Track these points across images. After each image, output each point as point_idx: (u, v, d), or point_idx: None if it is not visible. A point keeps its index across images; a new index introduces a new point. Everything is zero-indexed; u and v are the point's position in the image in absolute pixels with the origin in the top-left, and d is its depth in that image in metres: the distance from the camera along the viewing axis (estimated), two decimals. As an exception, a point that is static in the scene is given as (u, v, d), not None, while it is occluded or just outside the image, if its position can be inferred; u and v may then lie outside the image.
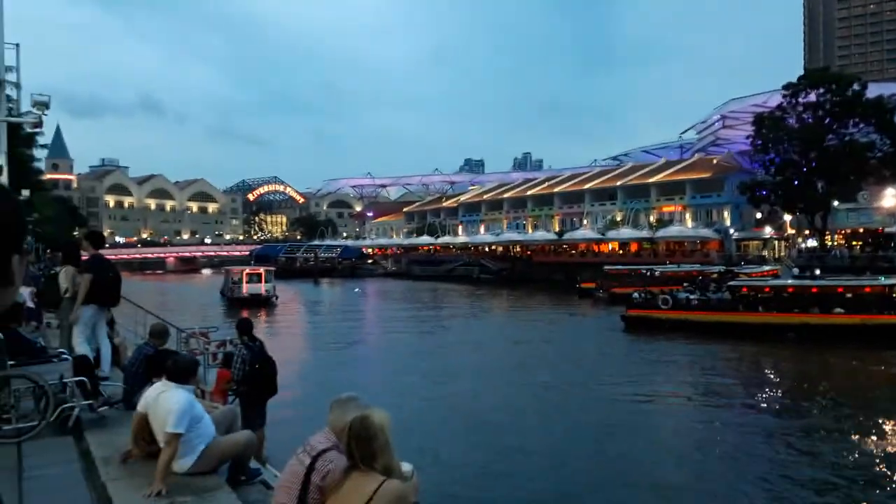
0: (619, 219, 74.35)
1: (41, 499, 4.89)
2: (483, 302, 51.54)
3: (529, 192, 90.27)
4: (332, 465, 3.30)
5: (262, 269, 46.90)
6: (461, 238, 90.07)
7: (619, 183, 77.88)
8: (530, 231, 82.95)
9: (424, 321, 36.56)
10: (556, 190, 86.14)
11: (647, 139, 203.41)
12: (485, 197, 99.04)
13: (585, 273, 54.47)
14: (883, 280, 26.77)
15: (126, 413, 7.12)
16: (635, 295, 32.78)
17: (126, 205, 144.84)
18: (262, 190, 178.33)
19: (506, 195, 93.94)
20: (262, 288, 44.24)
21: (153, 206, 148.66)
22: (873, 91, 55.32)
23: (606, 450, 12.47)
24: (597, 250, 69.56)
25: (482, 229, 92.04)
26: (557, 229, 79.50)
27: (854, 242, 63.59)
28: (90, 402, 6.99)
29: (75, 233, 62.75)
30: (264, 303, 43.22)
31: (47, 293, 8.95)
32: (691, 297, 31.10)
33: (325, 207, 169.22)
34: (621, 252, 67.62)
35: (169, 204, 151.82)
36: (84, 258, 8.20)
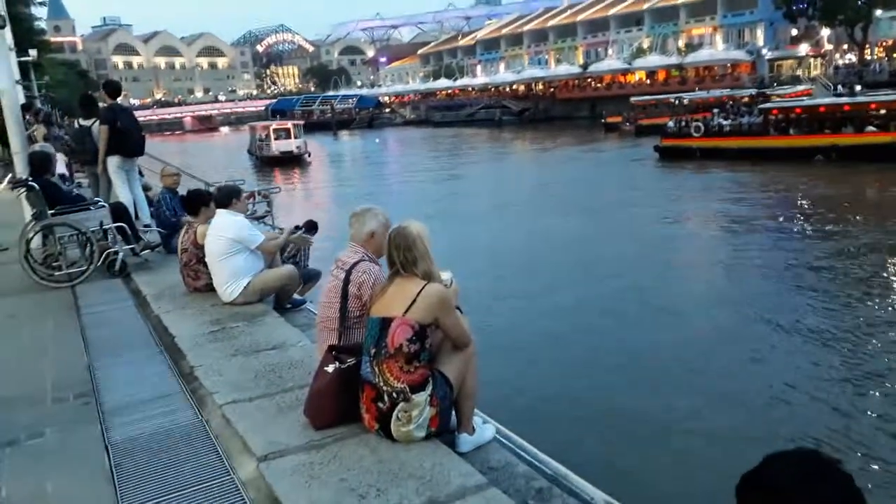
0: (646, 46, 70.84)
1: (101, 331, 5.18)
2: (507, 145, 50.87)
3: (551, 23, 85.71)
4: (364, 276, 3.40)
5: (289, 124, 44.01)
6: (480, 79, 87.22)
7: (646, 6, 73.25)
8: (553, 66, 79.78)
9: (448, 168, 36.37)
10: (580, 18, 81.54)
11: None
12: (503, 31, 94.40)
13: (611, 106, 53.03)
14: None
15: (167, 256, 7.39)
16: (669, 124, 32.01)
17: (135, 65, 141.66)
18: (270, 41, 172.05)
19: (526, 28, 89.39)
20: (293, 145, 41.52)
21: (163, 66, 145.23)
22: None
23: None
24: (623, 82, 67.08)
25: (502, 67, 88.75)
26: (581, 62, 76.25)
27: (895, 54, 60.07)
28: (132, 246, 7.22)
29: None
30: (297, 160, 40.87)
31: (77, 150, 8.92)
32: (723, 122, 30.30)
33: (336, 55, 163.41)
34: (649, 82, 65.14)
35: (178, 61, 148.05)
36: (102, 108, 8.11)
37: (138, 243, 7.38)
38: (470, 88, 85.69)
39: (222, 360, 4.16)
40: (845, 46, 58.70)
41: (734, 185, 22.85)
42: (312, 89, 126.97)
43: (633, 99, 49.55)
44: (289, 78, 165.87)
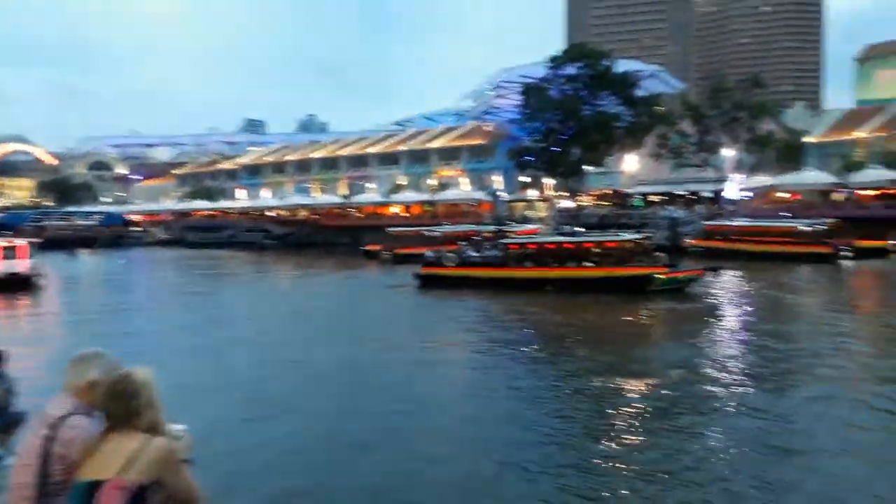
0: (403, 182, 76.39)
1: None
2: (270, 270, 50.21)
3: (315, 155, 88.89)
4: (74, 432, 2.95)
5: (19, 242, 37.53)
6: (243, 202, 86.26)
7: (402, 148, 79.77)
8: (317, 195, 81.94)
9: (203, 294, 34.71)
10: (343, 153, 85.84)
11: (428, 105, 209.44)
12: (268, 159, 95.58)
13: (371, 235, 55.55)
14: (624, 236, 30.77)
15: None
16: (428, 253, 34.28)
17: None
18: (1, 150, 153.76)
19: (291, 158, 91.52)
20: (20, 265, 35.35)
21: None
22: (621, 67, 62.48)
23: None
24: (382, 213, 70.94)
25: (265, 193, 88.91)
26: (344, 193, 79.52)
27: (603, 202, 71.95)
28: None
29: None
30: (25, 283, 34.69)
31: None
32: (473, 254, 33.35)
33: (81, 169, 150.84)
34: (405, 214, 69.75)
35: None
36: None
37: None
38: (231, 211, 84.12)
39: None
40: (565, 193, 69.00)
41: (481, 311, 24.92)
42: (52, 204, 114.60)
43: (390, 229, 52.55)
44: (21, 190, 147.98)
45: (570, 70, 60.36)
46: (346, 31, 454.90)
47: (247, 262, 54.41)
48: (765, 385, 13.71)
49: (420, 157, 78.39)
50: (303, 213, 77.19)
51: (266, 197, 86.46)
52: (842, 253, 39.11)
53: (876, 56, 68.76)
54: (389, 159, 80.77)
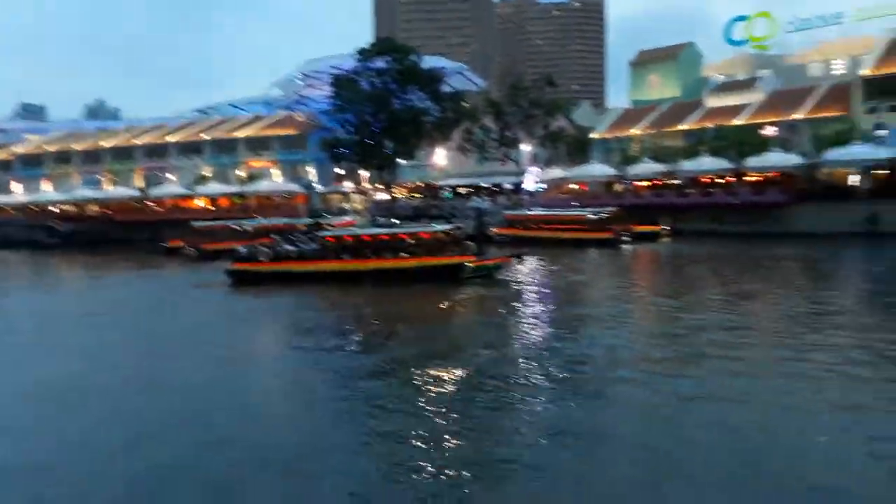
0: (207, 174, 72.52)
1: None
2: (49, 270, 45.25)
3: (106, 144, 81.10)
4: None
5: None
6: (19, 196, 76.53)
7: (206, 137, 75.57)
8: (109, 187, 74.94)
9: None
10: (138, 142, 79.25)
11: (234, 93, 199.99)
12: (50, 148, 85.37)
13: (173, 231, 52.19)
14: (436, 227, 32.09)
15: None
16: (240, 249, 32.96)
17: None
18: None
19: (77, 146, 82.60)
20: None
21: None
22: (427, 63, 64.45)
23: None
24: (185, 207, 66.82)
25: (47, 186, 79.59)
26: (141, 185, 73.58)
27: (416, 194, 74.09)
28: None
29: None
30: None
31: None
32: (290, 248, 32.75)
33: None
34: (212, 208, 66.36)
35: None
36: None
37: None
38: (5, 206, 74.27)
39: None
40: (379, 185, 69.99)
41: (298, 306, 24.76)
42: None
43: (195, 224, 49.77)
44: None
45: (380, 64, 61.12)
46: (143, 13, 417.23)
47: (23, 264, 48.56)
48: (565, 359, 15.36)
49: (226, 147, 74.85)
50: (93, 208, 70.30)
51: (48, 190, 77.46)
52: (622, 238, 44.06)
53: (647, 61, 77.59)
54: (192, 149, 76.10)
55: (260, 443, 10.78)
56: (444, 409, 11.96)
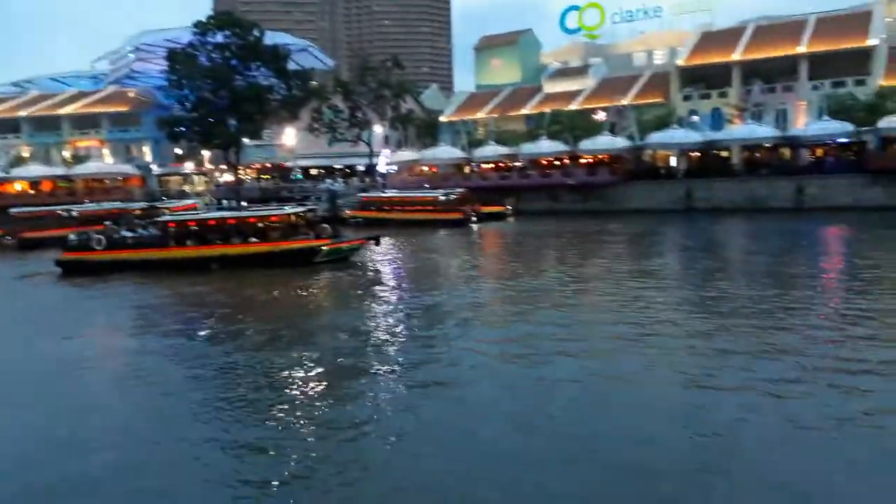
0: (26, 154, 65.50)
1: None
2: None
3: None
4: None
5: None
6: None
7: (23, 113, 68.09)
8: None
9: None
10: (-66, 118, 69.67)
11: (56, 67, 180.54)
12: None
13: (-14, 218, 46.88)
14: (287, 209, 31.53)
15: None
16: (71, 236, 30.30)
17: None
18: None
19: None
20: None
21: None
22: (271, 39, 62.28)
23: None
24: (1, 192, 60.06)
25: None
26: (-60, 167, 64.90)
27: (264, 175, 71.80)
28: None
29: None
30: None
31: None
32: (127, 235, 30.70)
33: None
34: (33, 192, 60.17)
35: None
36: None
37: None
38: None
39: None
40: (224, 166, 66.97)
41: (138, 297, 23.41)
42: None
43: (13, 210, 45.13)
44: None
45: (219, 38, 58.18)
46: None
47: None
48: (423, 338, 15.99)
49: (48, 125, 67.96)
50: None
51: None
52: (471, 218, 45.79)
53: (489, 46, 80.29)
54: (6, 126, 68.31)
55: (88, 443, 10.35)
56: (292, 402, 12.11)
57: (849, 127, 43.68)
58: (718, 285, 20.89)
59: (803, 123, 48.22)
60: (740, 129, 48.76)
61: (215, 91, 58.40)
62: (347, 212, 48.49)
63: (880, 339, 14.06)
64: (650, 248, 31.85)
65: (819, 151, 46.73)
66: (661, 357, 13.45)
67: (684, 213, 45.56)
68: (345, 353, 14.80)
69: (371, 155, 65.75)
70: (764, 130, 47.65)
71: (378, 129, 67.23)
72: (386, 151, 65.60)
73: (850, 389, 11.14)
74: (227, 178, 65.80)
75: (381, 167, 64.47)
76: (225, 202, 40.41)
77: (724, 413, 10.43)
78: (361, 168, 68.52)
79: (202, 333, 17.59)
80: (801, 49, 49.82)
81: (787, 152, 47.55)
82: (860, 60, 47.85)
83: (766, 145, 48.03)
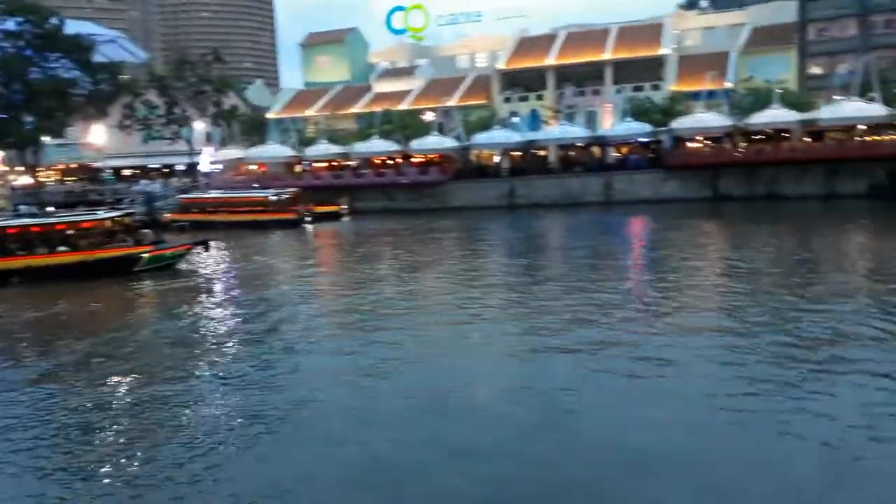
0: None
1: None
2: None
3: None
4: None
5: None
6: None
7: None
8: None
9: None
10: None
11: None
12: None
13: None
14: (102, 214, 29.02)
15: None
16: None
17: None
18: None
19: None
20: None
21: None
22: (73, 28, 56.77)
23: None
24: None
25: None
26: None
27: (69, 177, 65.33)
28: None
29: None
30: None
31: None
32: None
33: None
34: None
35: None
36: None
37: None
38: None
39: None
40: (21, 168, 60.00)
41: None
42: None
43: None
44: None
45: (10, 25, 52.04)
46: None
47: None
48: (257, 347, 15.61)
49: None
50: None
51: None
52: (305, 218, 45.03)
53: (316, 43, 78.99)
54: None
55: None
56: (111, 424, 11.42)
57: (648, 128, 48.64)
58: (539, 272, 22.55)
59: (610, 124, 52.94)
60: (555, 130, 52.47)
61: (7, 84, 52.22)
62: (167, 215, 45.64)
63: (667, 305, 16.11)
64: (478, 243, 33.46)
65: (624, 150, 51.58)
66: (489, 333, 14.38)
67: (509, 209, 48.22)
68: (168, 369, 14.03)
69: (192, 153, 62.23)
70: (576, 131, 51.65)
71: (199, 126, 63.76)
72: (209, 149, 62.27)
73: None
74: (25, 180, 59.01)
75: (204, 166, 61.12)
76: (24, 208, 36.22)
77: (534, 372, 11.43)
78: (182, 167, 64.61)
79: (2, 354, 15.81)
80: (606, 56, 54.64)
81: (597, 151, 51.92)
82: (655, 67, 53.47)
83: (579, 144, 52.11)
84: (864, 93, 43.38)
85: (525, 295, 19.23)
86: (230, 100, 65.62)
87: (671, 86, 52.91)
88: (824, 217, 36.74)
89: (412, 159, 53.56)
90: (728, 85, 50.68)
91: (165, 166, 65.85)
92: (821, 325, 14.76)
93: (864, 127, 43.33)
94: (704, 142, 48.12)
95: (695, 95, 49.76)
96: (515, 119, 57.17)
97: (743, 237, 29.76)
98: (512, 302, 18.53)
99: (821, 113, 44.28)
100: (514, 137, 52.70)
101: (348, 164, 54.88)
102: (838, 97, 44.32)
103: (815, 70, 52.77)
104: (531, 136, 53.19)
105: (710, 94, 48.74)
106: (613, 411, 10.70)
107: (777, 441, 9.27)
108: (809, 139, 45.05)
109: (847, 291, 17.85)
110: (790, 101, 45.96)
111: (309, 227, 44.16)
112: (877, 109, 42.44)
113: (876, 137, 42.85)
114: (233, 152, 59.46)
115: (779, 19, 55.25)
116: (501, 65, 58.26)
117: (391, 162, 54.22)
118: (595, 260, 25.43)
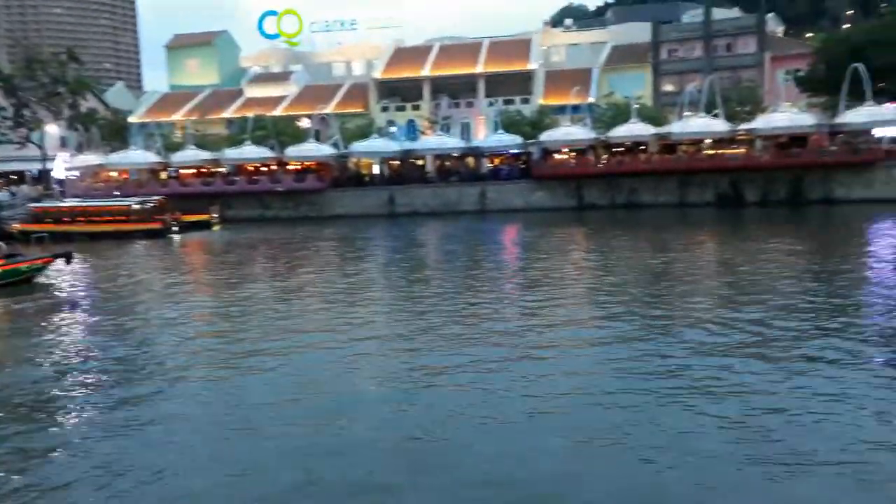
0: None
1: None
2: None
3: None
4: None
5: None
6: None
7: None
8: None
9: None
10: None
11: None
12: None
13: None
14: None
15: None
16: None
17: None
18: None
19: None
20: None
21: None
22: None
23: None
24: None
25: None
26: None
27: None
28: None
29: None
30: None
31: None
32: None
33: None
34: None
35: None
36: None
37: None
38: None
39: None
40: None
41: None
42: None
43: None
44: None
45: None
46: None
47: None
48: (112, 376, 14.79)
49: None
50: None
51: None
52: (172, 227, 42.91)
53: (183, 45, 75.54)
54: None
55: None
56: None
57: (518, 139, 50.67)
58: (419, 279, 22.94)
59: (483, 136, 54.65)
60: (432, 140, 53.43)
61: None
62: (15, 225, 41.98)
63: (535, 301, 17.01)
64: (359, 251, 33.44)
65: (497, 161, 53.41)
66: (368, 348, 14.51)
67: (388, 218, 48.45)
68: (16, 400, 13.06)
69: (44, 159, 57.53)
70: (452, 141, 52.89)
71: (52, 130, 59.11)
72: (64, 155, 57.80)
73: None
74: None
75: (59, 173, 56.65)
76: None
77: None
78: (33, 174, 59.55)
79: None
80: (479, 69, 56.44)
81: (472, 161, 53.42)
82: (524, 82, 55.91)
83: (455, 155, 53.37)
84: (709, 110, 47.71)
85: (406, 312, 19.14)
86: (88, 102, 61.36)
87: (539, 100, 55.48)
88: (677, 224, 39.92)
89: (288, 166, 52.52)
90: (591, 100, 53.95)
91: (14, 172, 60.43)
92: (670, 316, 16.16)
93: (710, 141, 47.62)
94: (570, 154, 50.83)
95: (561, 109, 52.53)
96: (393, 128, 57.64)
97: (604, 242, 31.92)
98: (393, 320, 18.29)
99: (672, 127, 48.16)
100: (393, 146, 53.10)
101: (219, 171, 52.91)
102: (688, 113, 48.45)
103: (668, 87, 57.38)
104: (409, 145, 53.83)
105: (575, 108, 51.67)
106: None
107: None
108: (664, 152, 48.85)
109: (696, 291, 19.63)
110: (647, 116, 49.63)
111: (176, 237, 42.15)
112: (720, 125, 46.79)
113: (720, 151, 47.23)
114: (92, 158, 55.53)
115: (636, 39, 59.58)
116: (378, 74, 58.61)
117: (265, 169, 52.88)
118: (472, 263, 26.36)
